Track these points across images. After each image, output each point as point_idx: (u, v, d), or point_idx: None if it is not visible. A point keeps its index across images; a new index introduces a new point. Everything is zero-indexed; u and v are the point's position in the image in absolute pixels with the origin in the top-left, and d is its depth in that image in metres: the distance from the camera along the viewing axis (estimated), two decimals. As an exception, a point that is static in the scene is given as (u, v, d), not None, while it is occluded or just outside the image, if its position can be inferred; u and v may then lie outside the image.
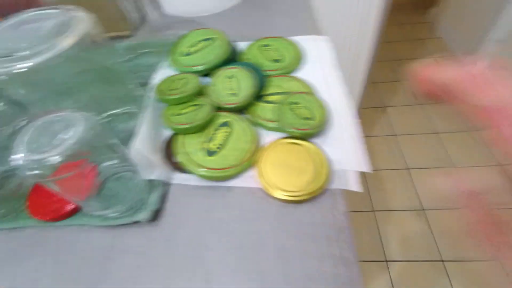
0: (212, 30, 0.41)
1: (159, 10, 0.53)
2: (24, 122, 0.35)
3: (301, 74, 0.37)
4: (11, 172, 0.30)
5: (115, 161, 0.28)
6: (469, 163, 1.28)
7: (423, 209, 1.18)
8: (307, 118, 0.31)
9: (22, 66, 0.21)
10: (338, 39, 0.75)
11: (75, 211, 0.28)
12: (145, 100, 0.33)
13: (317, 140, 0.31)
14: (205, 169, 0.28)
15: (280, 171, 0.28)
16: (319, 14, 0.50)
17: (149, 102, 0.33)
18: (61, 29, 0.23)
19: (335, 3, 0.69)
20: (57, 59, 0.22)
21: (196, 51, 0.39)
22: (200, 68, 0.37)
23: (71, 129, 0.21)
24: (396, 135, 1.45)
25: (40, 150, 0.20)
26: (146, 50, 0.42)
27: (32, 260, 0.26)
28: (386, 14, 0.69)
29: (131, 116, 0.34)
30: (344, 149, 0.30)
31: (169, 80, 0.35)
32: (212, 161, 0.29)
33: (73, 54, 0.22)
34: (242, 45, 0.42)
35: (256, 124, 0.33)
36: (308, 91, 0.34)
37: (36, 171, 0.20)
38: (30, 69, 0.21)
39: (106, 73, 0.30)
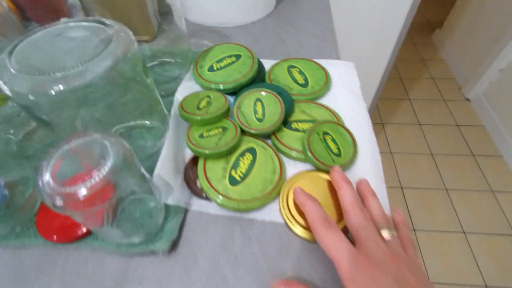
0: (239, 46, 0.39)
1: (183, 17, 0.52)
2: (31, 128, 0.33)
3: (328, 101, 0.36)
4: (22, 181, 0.28)
5: (133, 181, 0.27)
6: (461, 187, 1.30)
7: (415, 229, 1.19)
8: (335, 154, 0.30)
9: (54, 88, 0.19)
10: (355, 56, 0.75)
11: (87, 233, 0.26)
12: (168, 116, 0.32)
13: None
14: (227, 199, 0.27)
15: (304, 206, 0.27)
16: (339, 31, 0.50)
17: (172, 119, 0.31)
18: (99, 48, 0.21)
19: (354, 21, 0.69)
20: (91, 82, 0.20)
21: (221, 67, 0.37)
22: (225, 86, 0.36)
23: (100, 159, 0.19)
24: (392, 152, 1.46)
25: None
26: (169, 60, 0.40)
27: (39, 281, 0.25)
28: (404, 35, 0.69)
29: (150, 130, 0.33)
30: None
31: (193, 97, 0.34)
32: (235, 191, 0.27)
33: (109, 76, 0.21)
34: (267, 63, 0.41)
35: (280, 151, 0.32)
36: (337, 122, 0.33)
37: (61, 202, 0.18)
38: (60, 92, 0.20)
39: (130, 82, 0.28)
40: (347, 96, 0.37)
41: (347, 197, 0.24)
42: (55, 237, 0.26)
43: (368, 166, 0.30)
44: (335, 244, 0.21)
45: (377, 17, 0.67)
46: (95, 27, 0.23)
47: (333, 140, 0.31)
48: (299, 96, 0.36)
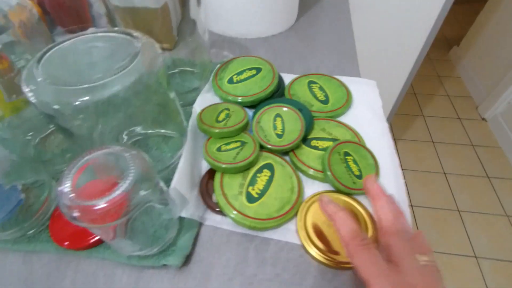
0: (260, 60, 0.39)
1: (207, 30, 0.52)
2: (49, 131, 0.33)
3: (348, 120, 0.35)
4: (38, 185, 0.28)
5: (149, 194, 0.26)
6: (474, 209, 1.26)
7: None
8: (356, 176, 0.29)
9: (79, 99, 0.19)
10: (373, 72, 0.75)
11: (99, 242, 0.26)
12: (186, 127, 0.32)
13: (363, 199, 0.29)
14: (243, 216, 0.26)
15: (321, 229, 0.26)
16: (359, 45, 0.49)
17: (190, 131, 0.31)
18: (126, 61, 0.21)
19: (375, 38, 0.68)
20: (115, 94, 0.20)
21: (241, 80, 0.37)
22: (244, 99, 0.35)
23: (120, 172, 0.19)
24: (403, 169, 1.43)
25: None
26: (188, 69, 0.40)
27: (48, 291, 0.24)
28: (425, 53, 0.68)
29: (167, 140, 0.33)
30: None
31: (212, 109, 0.33)
32: (251, 209, 0.27)
33: (133, 89, 0.21)
34: (287, 77, 0.40)
35: (298, 168, 0.31)
36: (358, 142, 0.32)
37: (78, 215, 0.18)
38: (84, 103, 0.19)
39: (153, 94, 0.28)
40: (369, 115, 0.36)
41: (386, 211, 0.22)
42: (66, 243, 0.26)
43: (390, 190, 0.29)
44: (370, 265, 0.19)
45: (399, 33, 0.66)
46: (122, 39, 0.23)
47: (355, 161, 0.30)
48: (319, 113, 0.35)
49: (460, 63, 1.84)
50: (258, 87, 0.36)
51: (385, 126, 0.35)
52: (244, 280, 0.24)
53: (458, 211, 1.26)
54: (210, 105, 0.34)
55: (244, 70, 0.38)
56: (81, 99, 0.19)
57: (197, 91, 0.38)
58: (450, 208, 1.27)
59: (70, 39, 0.24)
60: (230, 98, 0.36)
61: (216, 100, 0.37)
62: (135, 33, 0.23)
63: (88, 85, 0.20)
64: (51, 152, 0.31)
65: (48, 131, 0.33)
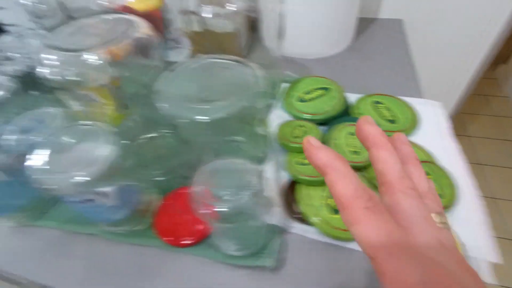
0: (326, 79, 0.42)
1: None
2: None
3: (417, 139, 0.36)
4: (142, 187, 0.32)
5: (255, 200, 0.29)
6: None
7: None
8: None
9: (203, 118, 0.23)
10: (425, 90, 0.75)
11: (198, 241, 0.29)
12: (265, 141, 0.35)
13: (440, 217, 0.29)
14: (329, 227, 0.28)
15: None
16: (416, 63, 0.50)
17: (271, 145, 0.34)
18: (239, 86, 0.25)
19: (432, 56, 0.69)
20: (228, 115, 0.24)
21: (311, 99, 0.40)
22: (316, 117, 0.38)
23: (244, 184, 0.22)
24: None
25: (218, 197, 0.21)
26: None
27: (157, 281, 0.27)
28: (482, 73, 0.67)
29: (243, 152, 0.36)
30: (473, 234, 0.28)
31: (288, 125, 0.36)
32: (335, 220, 0.29)
33: (245, 109, 0.24)
34: (350, 96, 0.42)
35: (373, 185, 0.32)
36: (431, 161, 0.33)
37: (206, 211, 0.21)
38: (207, 122, 0.23)
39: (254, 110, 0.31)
40: (437, 136, 0.37)
41: (390, 162, 0.16)
42: (169, 239, 0.29)
43: (469, 211, 0.29)
44: (381, 236, 0.13)
45: (453, 53, 0.66)
46: (235, 66, 0.27)
47: (431, 180, 0.31)
48: (388, 132, 0.37)
49: (508, 82, 1.74)
50: (327, 105, 0.39)
51: (456, 147, 0.35)
52: (337, 286, 0.26)
53: None
54: (284, 122, 0.37)
55: (313, 90, 0.41)
56: (201, 118, 0.23)
57: (267, 108, 0.41)
58: (502, 236, 1.18)
59: (190, 62, 0.28)
60: (302, 115, 0.39)
61: (286, 117, 0.40)
62: (244, 60, 0.27)
63: (208, 106, 0.23)
64: (149, 158, 0.36)
65: (145, 139, 0.38)
